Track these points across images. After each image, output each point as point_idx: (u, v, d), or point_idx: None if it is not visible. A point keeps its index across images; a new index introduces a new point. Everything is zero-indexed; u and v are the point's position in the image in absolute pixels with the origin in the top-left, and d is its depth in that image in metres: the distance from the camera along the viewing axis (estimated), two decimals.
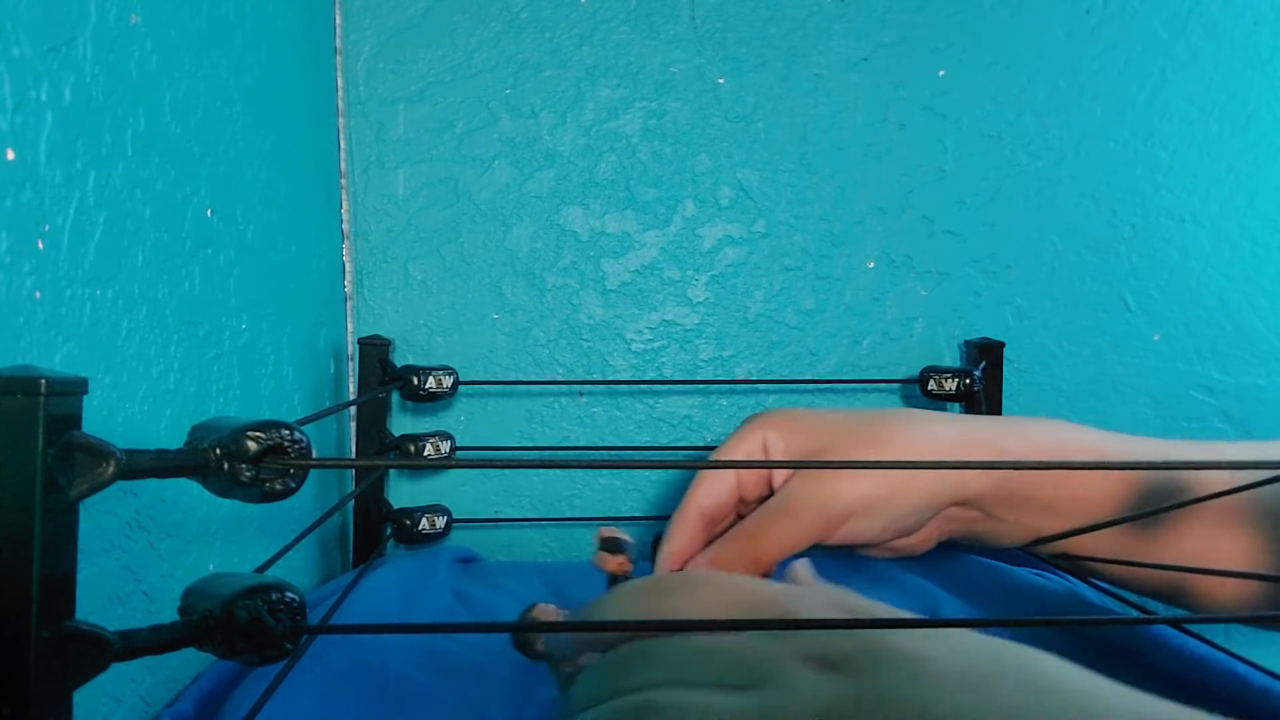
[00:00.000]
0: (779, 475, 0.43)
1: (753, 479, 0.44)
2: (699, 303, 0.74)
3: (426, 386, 0.65)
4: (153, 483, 0.38)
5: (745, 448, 0.45)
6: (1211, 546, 0.42)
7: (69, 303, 0.34)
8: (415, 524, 0.66)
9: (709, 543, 0.43)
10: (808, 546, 0.41)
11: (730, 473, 0.44)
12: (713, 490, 0.44)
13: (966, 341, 0.74)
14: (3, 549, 0.20)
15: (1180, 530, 0.42)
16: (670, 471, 0.73)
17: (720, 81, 0.74)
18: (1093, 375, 0.76)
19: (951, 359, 0.75)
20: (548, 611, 0.38)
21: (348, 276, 0.71)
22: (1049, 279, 0.76)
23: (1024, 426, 0.45)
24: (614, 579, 0.38)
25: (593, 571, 0.42)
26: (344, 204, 0.71)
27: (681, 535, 0.43)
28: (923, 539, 0.45)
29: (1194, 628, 0.44)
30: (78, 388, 0.22)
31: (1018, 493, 0.43)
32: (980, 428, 0.45)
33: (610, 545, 0.38)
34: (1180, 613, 0.43)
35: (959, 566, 0.60)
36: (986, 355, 0.72)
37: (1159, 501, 0.42)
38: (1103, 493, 0.43)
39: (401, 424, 0.72)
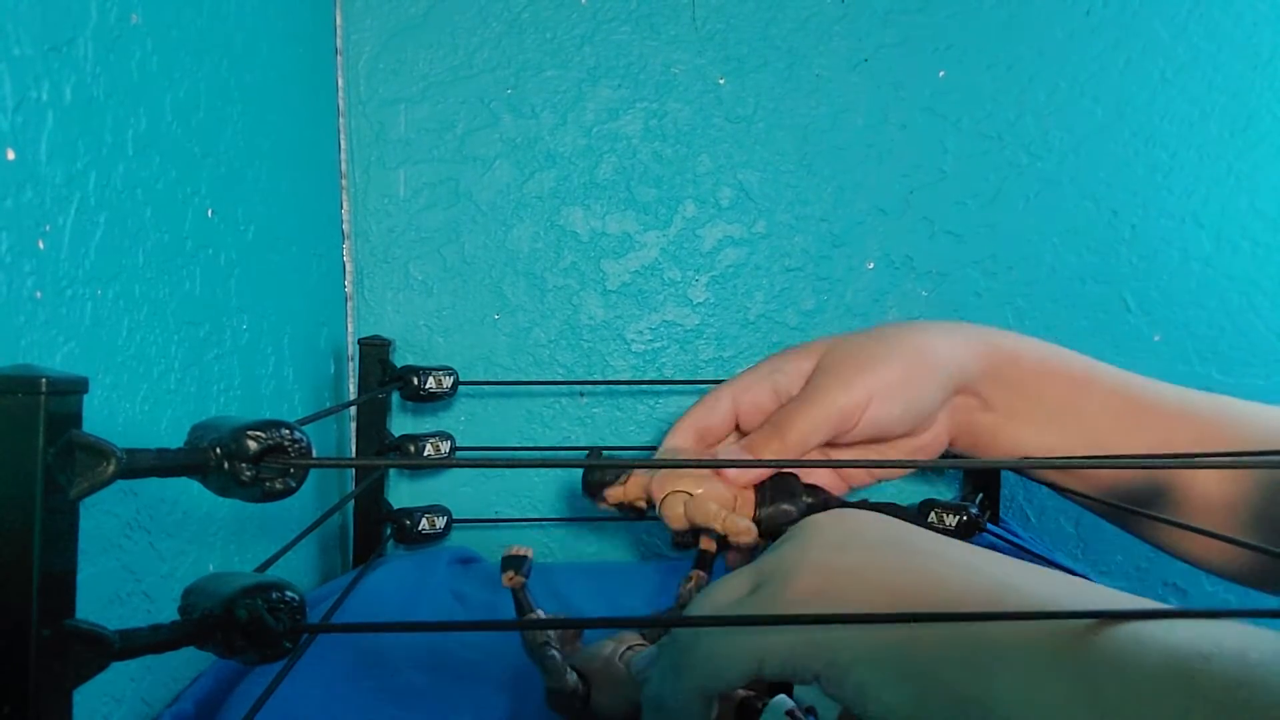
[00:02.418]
0: (802, 380, 0.46)
1: (757, 411, 0.46)
2: (699, 303, 0.74)
3: (426, 387, 0.65)
4: (153, 482, 0.38)
5: (757, 371, 0.47)
6: (1204, 545, 0.42)
7: (70, 302, 0.34)
8: (415, 524, 0.66)
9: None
10: (831, 435, 0.43)
11: (726, 400, 0.47)
12: (709, 412, 0.47)
13: None
14: (3, 548, 0.20)
15: (1175, 516, 0.43)
16: None
17: (721, 82, 0.74)
18: None
19: None
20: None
21: (348, 277, 0.71)
22: (1049, 280, 0.76)
23: (1012, 336, 0.48)
24: (514, 594, 0.40)
25: (593, 572, 0.42)
26: (344, 204, 0.71)
27: (673, 440, 0.47)
28: (935, 436, 0.47)
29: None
30: (78, 387, 0.22)
31: (1007, 375, 0.46)
32: (974, 327, 0.48)
33: (507, 563, 0.40)
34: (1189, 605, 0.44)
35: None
36: None
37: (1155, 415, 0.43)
38: (1092, 399, 0.45)
39: (401, 424, 0.72)
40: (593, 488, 0.45)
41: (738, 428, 0.48)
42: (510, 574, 0.40)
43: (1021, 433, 0.46)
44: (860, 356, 0.44)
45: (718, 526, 0.40)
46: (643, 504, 0.44)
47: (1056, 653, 0.23)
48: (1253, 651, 0.21)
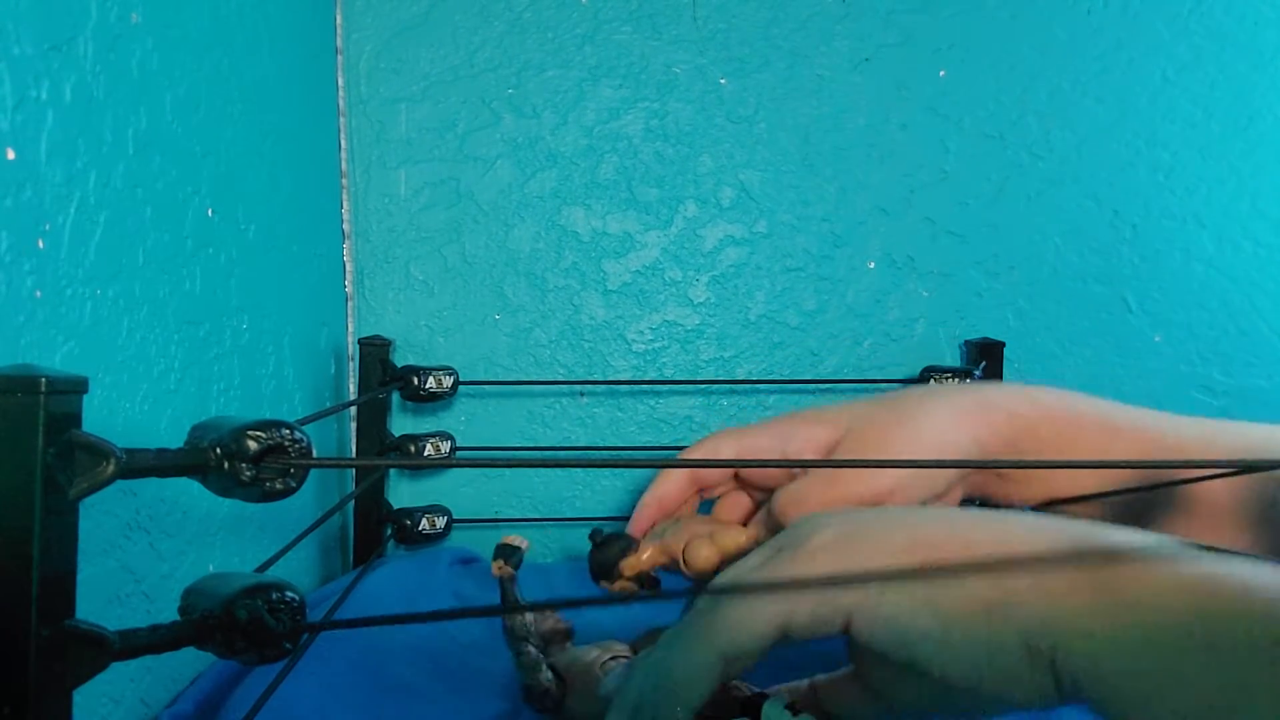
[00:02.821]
0: (814, 453, 0.45)
1: (761, 472, 0.46)
2: (700, 303, 0.74)
3: (427, 386, 0.65)
4: (153, 483, 0.38)
5: (766, 433, 0.46)
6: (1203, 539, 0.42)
7: (69, 302, 0.34)
8: (415, 524, 0.66)
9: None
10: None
11: (728, 453, 0.46)
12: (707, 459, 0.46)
13: (967, 342, 0.74)
14: (3, 548, 0.20)
15: (1174, 526, 0.43)
16: None
17: (722, 82, 0.74)
18: (1094, 376, 0.76)
19: (952, 359, 0.75)
20: (548, 617, 0.39)
21: (349, 276, 0.71)
22: (1050, 280, 0.75)
23: (1035, 392, 0.46)
24: (500, 583, 0.39)
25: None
26: (345, 204, 0.71)
27: (666, 485, 0.46)
28: (950, 499, 0.47)
29: None
30: (78, 387, 0.22)
31: (1025, 449, 0.45)
32: (994, 392, 0.46)
33: (499, 551, 0.40)
34: None
35: None
36: (987, 355, 0.72)
37: (1156, 476, 0.43)
38: (1117, 446, 0.44)
39: (402, 424, 0.72)
40: (607, 566, 0.42)
41: (735, 476, 0.47)
42: (500, 563, 0.40)
43: (1039, 490, 0.46)
44: (882, 446, 0.43)
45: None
46: (655, 572, 0.43)
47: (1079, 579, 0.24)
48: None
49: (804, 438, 0.44)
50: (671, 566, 0.41)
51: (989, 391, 0.46)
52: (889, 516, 0.31)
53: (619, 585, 0.42)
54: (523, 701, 0.39)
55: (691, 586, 0.41)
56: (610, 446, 0.73)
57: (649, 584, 0.42)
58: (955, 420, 0.44)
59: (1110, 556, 0.24)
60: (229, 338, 0.48)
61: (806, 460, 0.43)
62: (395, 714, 0.41)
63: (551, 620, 0.42)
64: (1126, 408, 0.46)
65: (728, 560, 0.39)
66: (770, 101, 0.74)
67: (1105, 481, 0.44)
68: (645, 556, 0.41)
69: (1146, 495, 0.44)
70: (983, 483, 0.47)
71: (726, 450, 0.45)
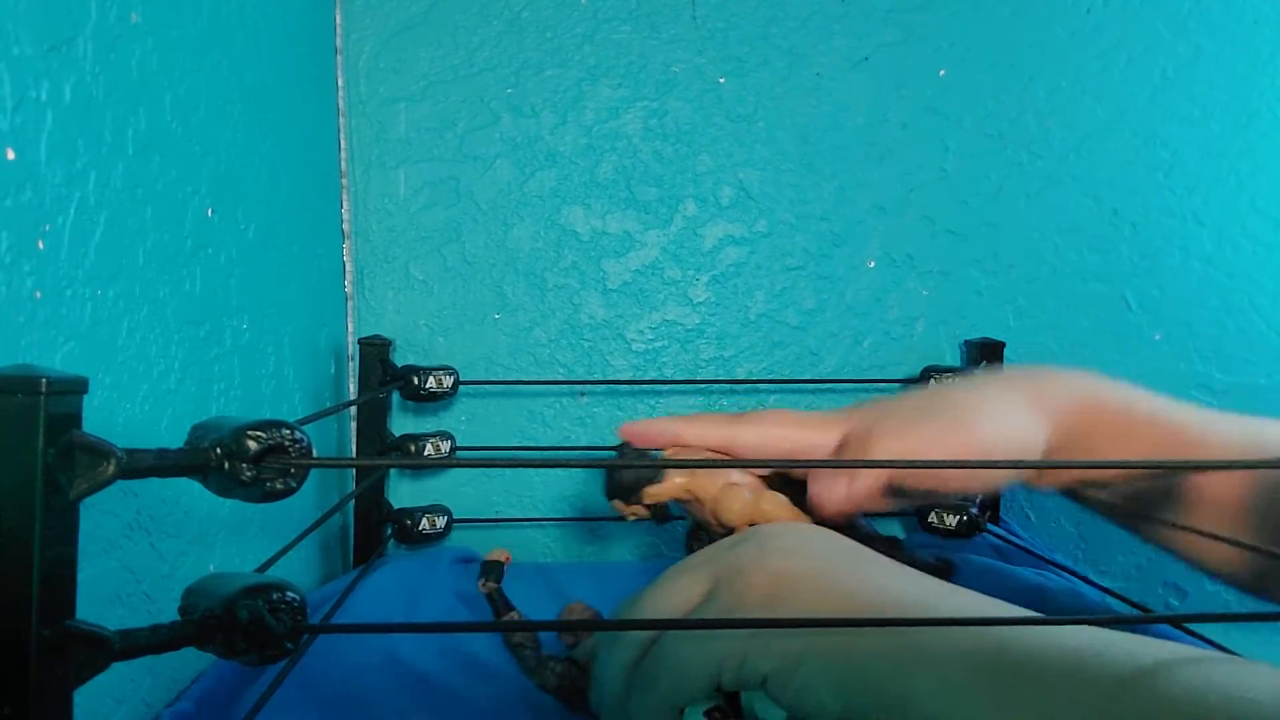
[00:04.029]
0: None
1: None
2: (700, 302, 0.74)
3: (427, 386, 0.65)
4: (153, 483, 0.38)
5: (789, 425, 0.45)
6: (1209, 547, 0.42)
7: (69, 302, 0.34)
8: (416, 524, 0.66)
9: None
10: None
11: (752, 438, 0.44)
12: (733, 434, 0.44)
13: (967, 341, 0.74)
14: (3, 548, 0.20)
15: (1182, 519, 0.43)
16: None
17: (721, 81, 0.74)
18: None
19: (952, 359, 0.75)
20: (576, 610, 0.39)
21: (348, 276, 0.71)
22: (1050, 278, 0.76)
23: (1095, 389, 0.46)
24: (488, 598, 0.40)
25: (593, 571, 0.42)
26: (345, 204, 0.71)
27: (695, 427, 0.44)
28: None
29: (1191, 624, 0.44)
30: (78, 387, 0.22)
31: (1080, 450, 0.45)
32: (1058, 387, 0.45)
33: (484, 569, 0.41)
34: (1179, 611, 0.44)
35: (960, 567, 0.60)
36: (987, 355, 0.72)
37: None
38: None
39: (402, 424, 0.72)
40: (629, 488, 0.40)
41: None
42: (483, 580, 0.41)
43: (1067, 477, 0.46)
44: (962, 442, 0.42)
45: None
46: (670, 504, 0.41)
47: (970, 654, 0.25)
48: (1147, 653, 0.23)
49: (875, 449, 0.42)
50: (689, 503, 0.40)
51: (1053, 385, 0.46)
52: (829, 576, 0.30)
53: (632, 509, 0.41)
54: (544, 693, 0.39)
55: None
56: (610, 446, 0.73)
57: (660, 515, 0.41)
58: (1032, 416, 0.44)
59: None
60: (229, 338, 0.48)
61: (810, 461, 0.43)
62: (400, 712, 0.41)
63: (578, 610, 0.41)
64: (1173, 405, 0.46)
65: (754, 523, 0.39)
66: (769, 100, 0.74)
67: (1127, 473, 0.44)
68: (672, 485, 0.40)
69: (1157, 491, 0.44)
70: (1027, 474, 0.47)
71: (750, 437, 0.43)
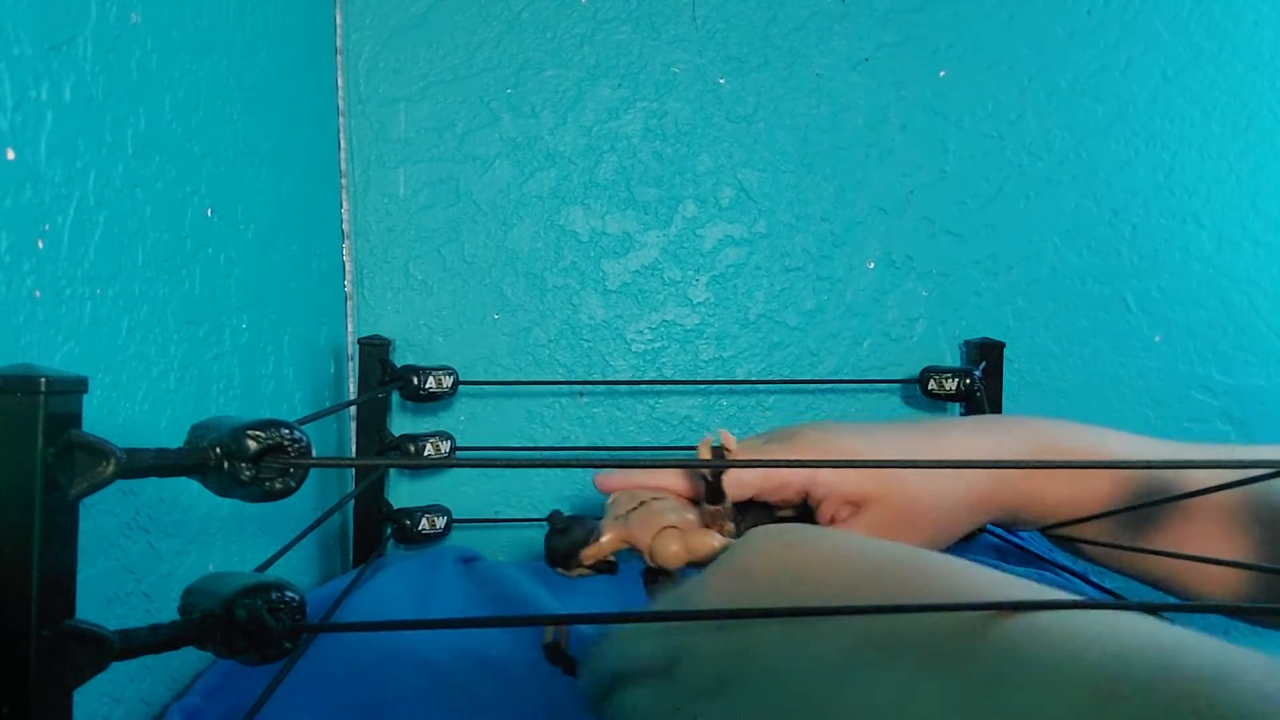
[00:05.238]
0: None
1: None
2: (699, 303, 0.74)
3: (426, 386, 0.65)
4: (152, 482, 0.38)
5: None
6: (1204, 550, 0.42)
7: (69, 302, 0.34)
8: (415, 524, 0.66)
9: None
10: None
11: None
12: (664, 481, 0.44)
13: (967, 342, 0.74)
14: (3, 548, 0.20)
15: (1174, 533, 0.43)
16: None
17: (721, 82, 0.74)
18: (1093, 376, 0.76)
19: (952, 359, 0.75)
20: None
21: (348, 276, 0.71)
22: (1050, 279, 0.76)
23: (1043, 437, 0.46)
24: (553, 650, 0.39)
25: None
26: (344, 204, 0.71)
27: (665, 477, 0.44)
28: (974, 521, 0.48)
29: (1173, 616, 0.44)
30: (78, 386, 0.22)
31: (1028, 497, 0.45)
32: (996, 434, 0.46)
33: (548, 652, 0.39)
34: (1157, 599, 0.45)
35: None
36: (987, 355, 0.72)
37: (1159, 488, 0.43)
38: (1092, 493, 0.44)
39: (401, 424, 0.72)
40: (564, 554, 0.40)
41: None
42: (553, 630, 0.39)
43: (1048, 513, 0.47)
44: (908, 513, 0.42)
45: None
46: (614, 556, 0.41)
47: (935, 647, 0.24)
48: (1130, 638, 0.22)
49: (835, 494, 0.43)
50: (632, 549, 0.40)
51: (1001, 438, 0.46)
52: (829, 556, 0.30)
53: (577, 572, 0.41)
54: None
55: (646, 605, 0.39)
56: (610, 446, 0.73)
57: (605, 568, 0.41)
58: (975, 482, 0.45)
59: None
60: (229, 338, 0.48)
61: (800, 460, 0.43)
62: (405, 712, 0.41)
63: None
64: (1113, 436, 0.46)
65: (694, 563, 0.38)
66: (769, 101, 0.74)
67: (1108, 500, 0.44)
68: (606, 542, 0.40)
69: (1159, 578, 0.45)
70: (1008, 507, 0.47)
71: (741, 475, 0.43)
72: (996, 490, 0.45)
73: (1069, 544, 0.48)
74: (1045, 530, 0.48)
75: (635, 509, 0.41)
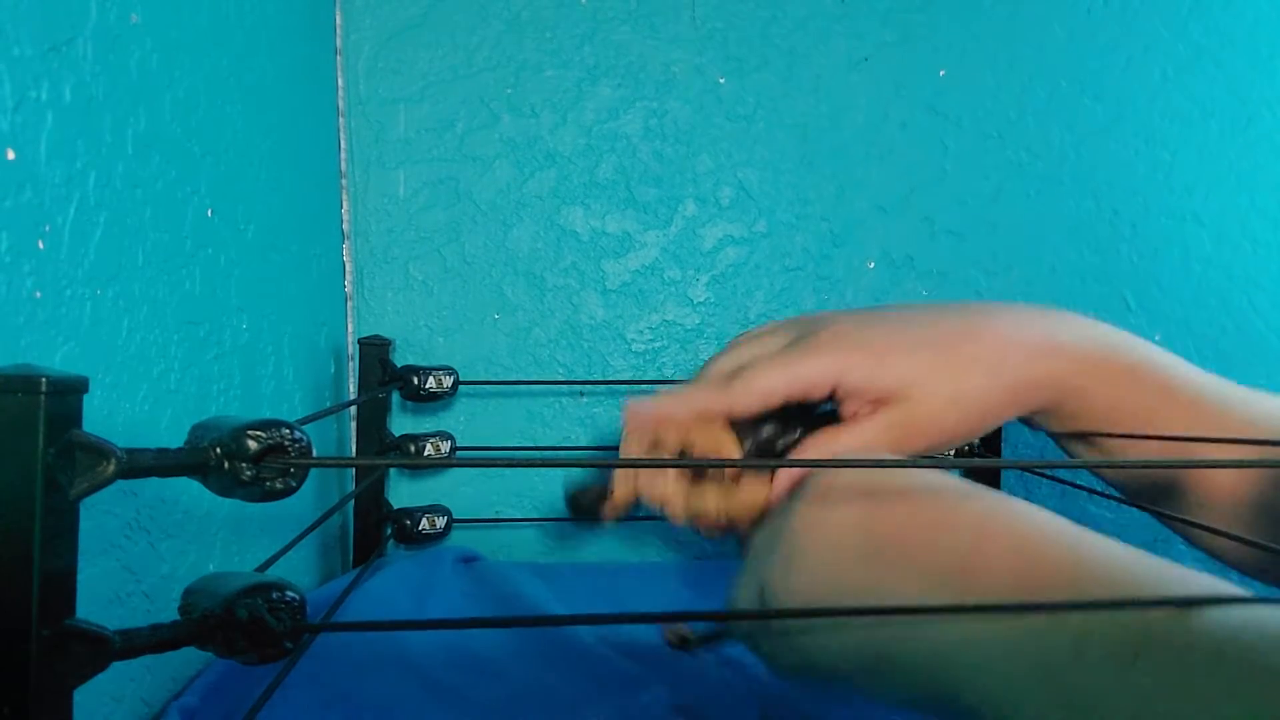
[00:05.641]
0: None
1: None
2: (700, 303, 0.74)
3: (427, 386, 0.65)
4: (153, 482, 0.38)
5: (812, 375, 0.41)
6: (1214, 537, 0.42)
7: (69, 302, 0.34)
8: (415, 524, 0.66)
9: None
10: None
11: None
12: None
13: None
14: (3, 548, 0.20)
15: (1191, 510, 0.43)
16: None
17: (721, 81, 0.74)
18: None
19: None
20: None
21: (348, 276, 0.71)
22: (1050, 279, 0.76)
23: (1105, 341, 0.44)
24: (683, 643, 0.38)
25: (593, 571, 0.42)
26: (344, 204, 0.71)
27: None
28: (1004, 415, 0.45)
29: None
30: (78, 387, 0.22)
31: (1074, 396, 0.43)
32: (1064, 333, 0.43)
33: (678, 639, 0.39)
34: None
35: None
36: None
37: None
38: (1141, 408, 0.43)
39: (402, 424, 0.72)
40: (589, 507, 0.40)
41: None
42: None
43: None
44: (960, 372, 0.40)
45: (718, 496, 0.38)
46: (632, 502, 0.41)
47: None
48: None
49: (863, 376, 0.40)
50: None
51: (1055, 328, 0.43)
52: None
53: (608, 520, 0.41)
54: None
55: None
56: (610, 446, 0.73)
57: (630, 513, 0.41)
58: (1028, 357, 0.42)
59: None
60: (229, 338, 0.48)
61: (805, 460, 0.43)
62: (411, 711, 0.41)
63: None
64: (1188, 371, 0.44)
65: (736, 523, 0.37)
66: (769, 101, 0.74)
67: (1142, 448, 0.43)
68: (619, 497, 0.40)
69: (1167, 477, 0.44)
70: (1044, 404, 0.44)
71: (771, 396, 0.40)
72: (1039, 379, 0.42)
73: (1076, 444, 0.46)
74: (1065, 436, 0.45)
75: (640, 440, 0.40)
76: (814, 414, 0.42)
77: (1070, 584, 0.25)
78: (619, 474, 0.40)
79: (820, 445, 0.39)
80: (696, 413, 0.40)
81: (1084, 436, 0.45)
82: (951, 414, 0.40)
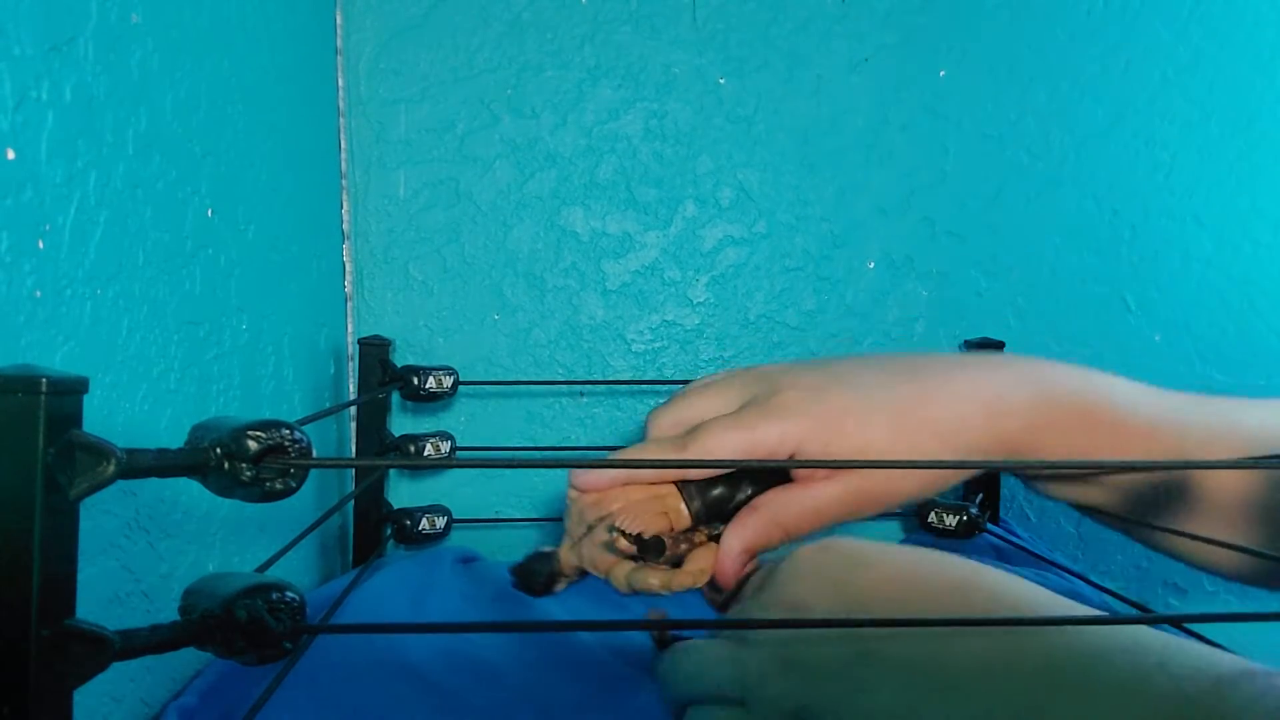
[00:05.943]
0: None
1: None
2: (700, 303, 0.74)
3: (427, 387, 0.65)
4: (152, 483, 0.38)
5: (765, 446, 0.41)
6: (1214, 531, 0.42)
7: (69, 302, 0.34)
8: (415, 524, 0.66)
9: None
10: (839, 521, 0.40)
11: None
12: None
13: (967, 342, 0.74)
14: (3, 548, 0.20)
15: (1178, 520, 0.43)
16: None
17: (721, 82, 0.74)
18: None
19: None
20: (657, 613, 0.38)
21: (348, 277, 0.71)
22: (1050, 280, 0.76)
23: (1052, 389, 0.43)
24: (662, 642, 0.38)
25: (591, 577, 0.41)
26: (344, 204, 0.71)
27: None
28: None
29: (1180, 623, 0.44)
30: (78, 387, 0.22)
31: (1026, 450, 0.42)
32: (1010, 388, 0.42)
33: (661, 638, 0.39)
34: (1180, 612, 0.44)
35: None
36: None
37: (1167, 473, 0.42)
38: (1094, 451, 0.43)
39: (402, 424, 0.72)
40: (539, 583, 0.39)
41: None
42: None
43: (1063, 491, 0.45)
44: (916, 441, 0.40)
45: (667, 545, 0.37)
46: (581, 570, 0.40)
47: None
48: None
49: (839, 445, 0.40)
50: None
51: (1006, 385, 0.43)
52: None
53: (559, 589, 0.40)
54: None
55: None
56: (610, 446, 0.73)
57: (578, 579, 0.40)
58: (983, 419, 0.41)
59: None
60: (229, 338, 0.48)
61: (807, 461, 0.43)
62: (412, 711, 0.41)
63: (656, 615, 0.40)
64: (1140, 401, 0.44)
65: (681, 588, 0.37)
66: (769, 102, 0.74)
67: (1120, 477, 0.43)
68: (567, 570, 0.39)
69: (1157, 491, 0.44)
70: (1017, 448, 0.43)
71: (723, 447, 0.39)
72: (990, 443, 0.41)
73: (1042, 487, 0.46)
74: (1029, 479, 0.46)
75: (584, 535, 0.39)
76: (765, 473, 0.42)
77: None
78: (563, 547, 0.39)
79: (773, 504, 0.39)
80: (644, 482, 0.39)
81: (1044, 479, 0.45)
82: (907, 481, 0.40)
